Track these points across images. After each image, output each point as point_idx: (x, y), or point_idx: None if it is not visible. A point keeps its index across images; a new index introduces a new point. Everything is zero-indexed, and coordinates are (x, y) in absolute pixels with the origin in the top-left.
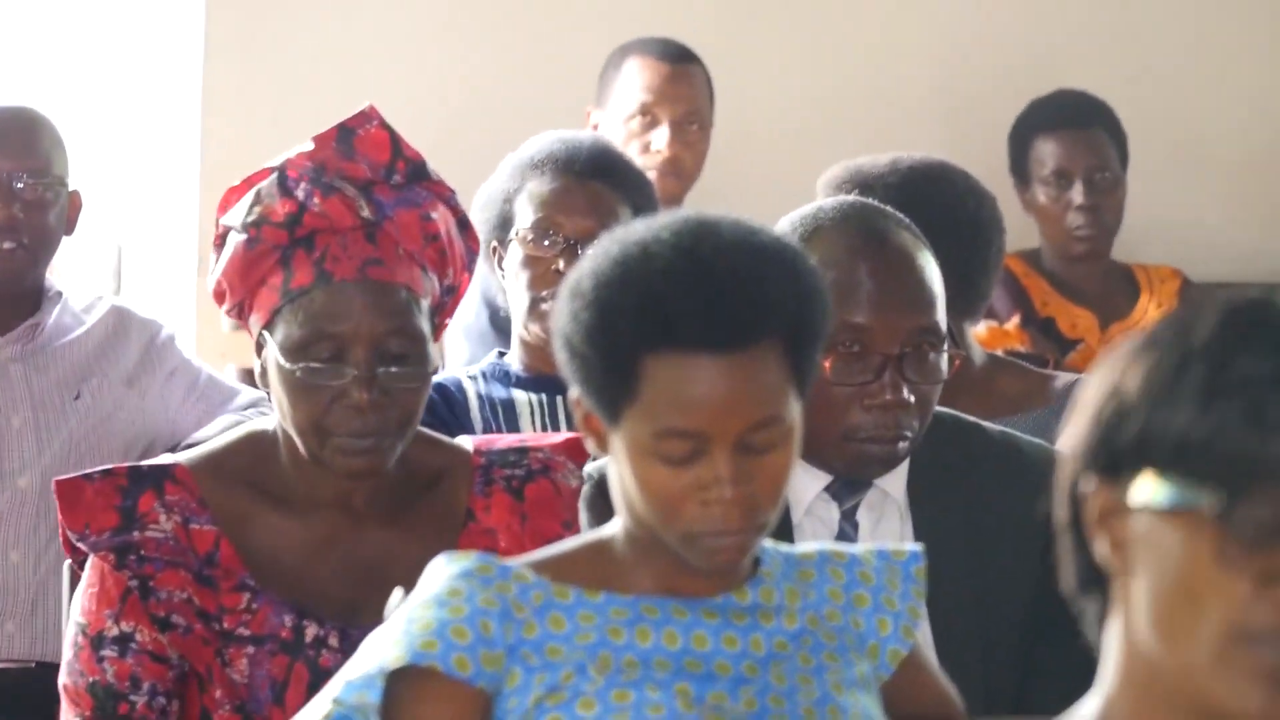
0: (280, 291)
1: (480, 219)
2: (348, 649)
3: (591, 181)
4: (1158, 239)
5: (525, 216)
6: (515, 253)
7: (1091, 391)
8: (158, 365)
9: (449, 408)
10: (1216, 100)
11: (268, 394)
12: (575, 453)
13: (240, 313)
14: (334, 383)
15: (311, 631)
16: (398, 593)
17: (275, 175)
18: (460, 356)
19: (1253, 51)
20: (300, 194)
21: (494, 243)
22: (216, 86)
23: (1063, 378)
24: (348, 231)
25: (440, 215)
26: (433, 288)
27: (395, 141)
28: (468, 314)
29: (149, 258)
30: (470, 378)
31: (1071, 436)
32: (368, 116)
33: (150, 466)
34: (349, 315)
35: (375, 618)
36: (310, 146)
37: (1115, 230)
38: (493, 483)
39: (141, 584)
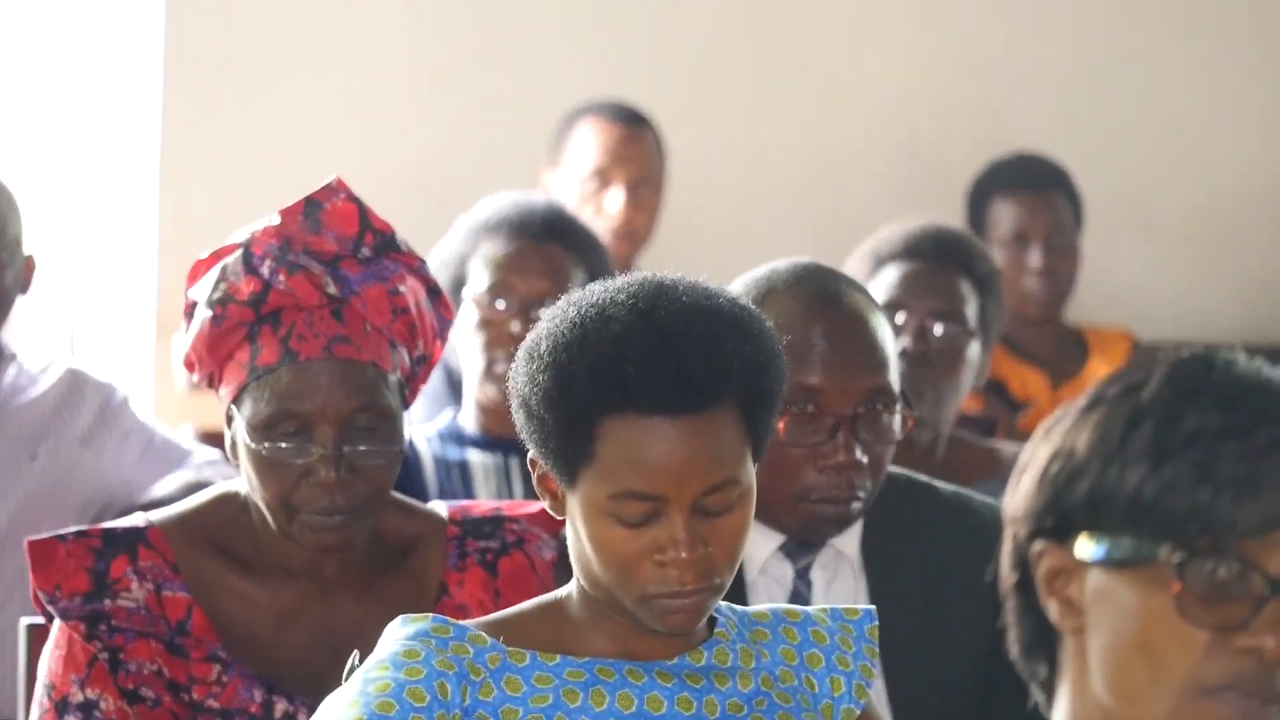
0: (247, 368)
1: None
2: None
3: (546, 244)
4: (1109, 300)
5: (480, 279)
6: (469, 314)
7: (1037, 452)
8: (113, 426)
9: (404, 469)
10: (1169, 164)
11: (237, 467)
12: (551, 524)
13: (211, 383)
14: (300, 461)
15: (280, 707)
16: (354, 657)
17: (240, 252)
18: (416, 417)
19: (1205, 117)
20: (265, 272)
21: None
22: (174, 150)
23: (1009, 449)
24: (314, 309)
25: (409, 288)
26: (401, 361)
27: (363, 214)
28: None
29: (107, 318)
30: (426, 439)
31: (1018, 498)
32: (335, 190)
33: (124, 529)
34: (315, 394)
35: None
36: (277, 220)
37: (1069, 293)
38: (467, 555)
39: (111, 655)
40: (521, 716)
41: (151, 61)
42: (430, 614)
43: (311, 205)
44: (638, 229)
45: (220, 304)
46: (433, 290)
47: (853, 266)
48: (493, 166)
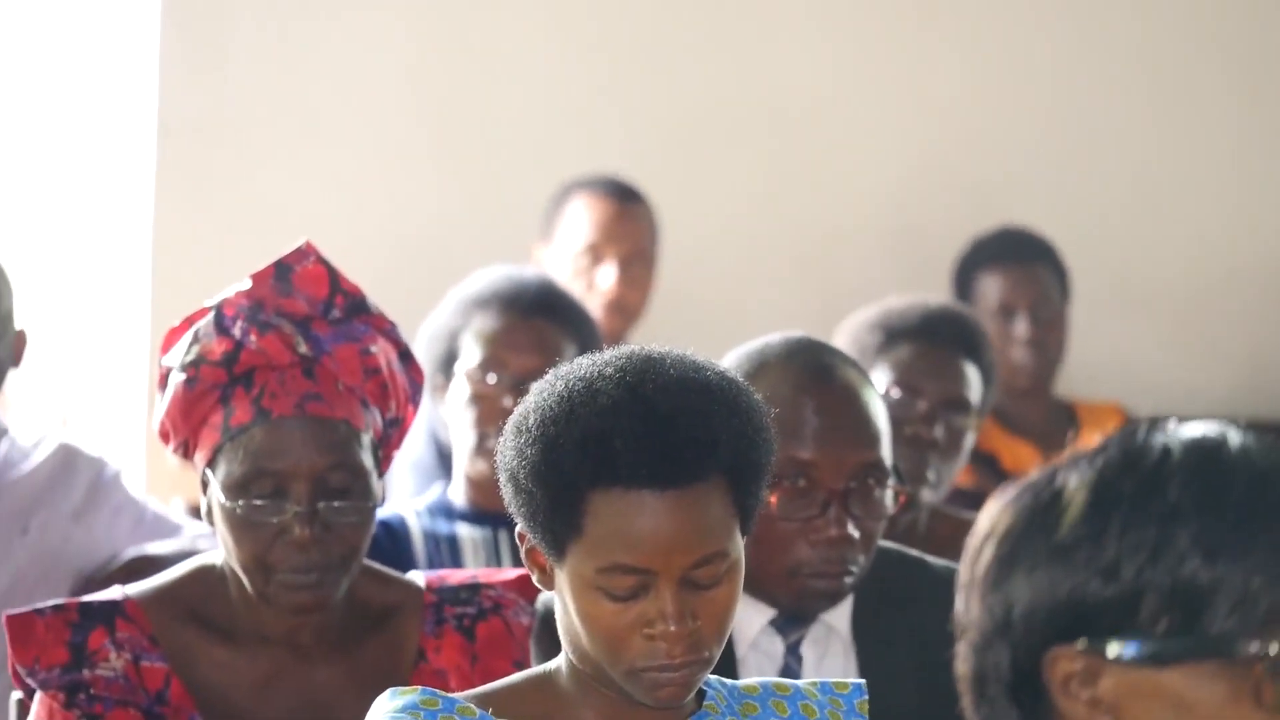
0: (221, 430)
1: (425, 354)
2: None
3: (537, 319)
4: (1098, 374)
5: (471, 354)
6: (460, 389)
7: (1017, 551)
8: (104, 501)
9: (393, 543)
10: (1158, 237)
11: (214, 531)
12: (527, 590)
13: (185, 452)
14: (275, 519)
15: None
16: None
17: (212, 314)
18: (405, 490)
19: (1193, 193)
20: (237, 332)
21: (438, 378)
22: (167, 225)
23: None
24: (285, 368)
25: (380, 348)
26: (374, 422)
27: (333, 276)
28: (414, 448)
29: (99, 393)
30: (415, 513)
31: (1006, 593)
32: (305, 253)
33: (101, 602)
34: (288, 451)
35: None
36: (248, 284)
37: (1058, 364)
38: (444, 622)
39: None
40: None
41: (145, 134)
42: (420, 686)
43: (282, 269)
44: (630, 304)
45: (193, 365)
46: (404, 354)
47: (859, 336)
48: (485, 241)
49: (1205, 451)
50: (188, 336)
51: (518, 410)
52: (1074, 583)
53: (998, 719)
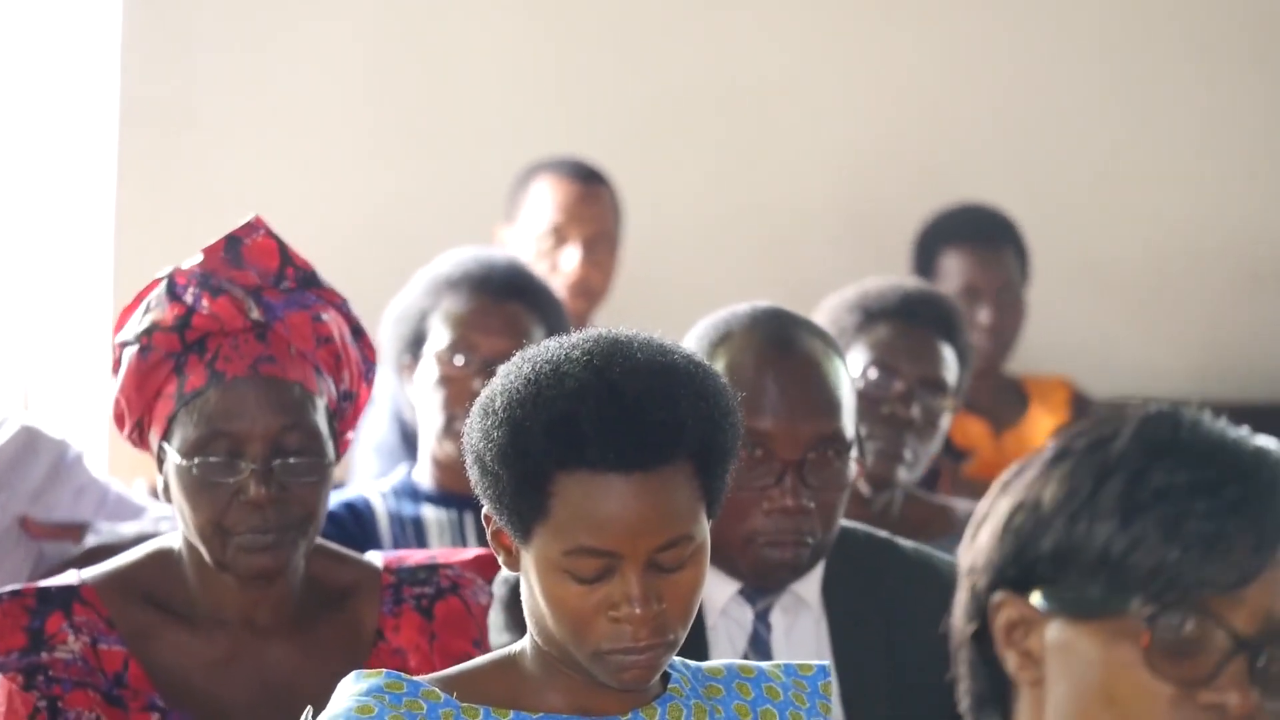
0: (175, 398)
1: (392, 334)
2: None
3: (507, 302)
4: (1054, 353)
5: (440, 336)
6: (429, 371)
7: (998, 504)
8: (66, 483)
9: (358, 525)
10: (1117, 217)
11: (171, 506)
12: (485, 569)
13: (140, 433)
14: (231, 479)
15: None
16: (308, 711)
17: (164, 283)
18: (370, 473)
19: (1155, 173)
20: (188, 298)
21: (405, 358)
22: (129, 206)
23: (963, 506)
24: (238, 333)
25: (332, 318)
26: (328, 389)
27: (283, 250)
28: (378, 430)
29: (61, 375)
30: (380, 495)
31: (977, 549)
32: (254, 226)
33: (57, 588)
34: (243, 413)
35: None
36: (199, 258)
37: (1012, 347)
38: (402, 601)
39: (50, 704)
40: None
41: (107, 117)
42: (384, 670)
43: (232, 242)
44: (593, 286)
45: (146, 334)
46: (355, 329)
47: (837, 316)
48: (449, 224)
49: (1156, 420)
50: (140, 309)
51: (484, 392)
52: (1022, 534)
53: (970, 678)
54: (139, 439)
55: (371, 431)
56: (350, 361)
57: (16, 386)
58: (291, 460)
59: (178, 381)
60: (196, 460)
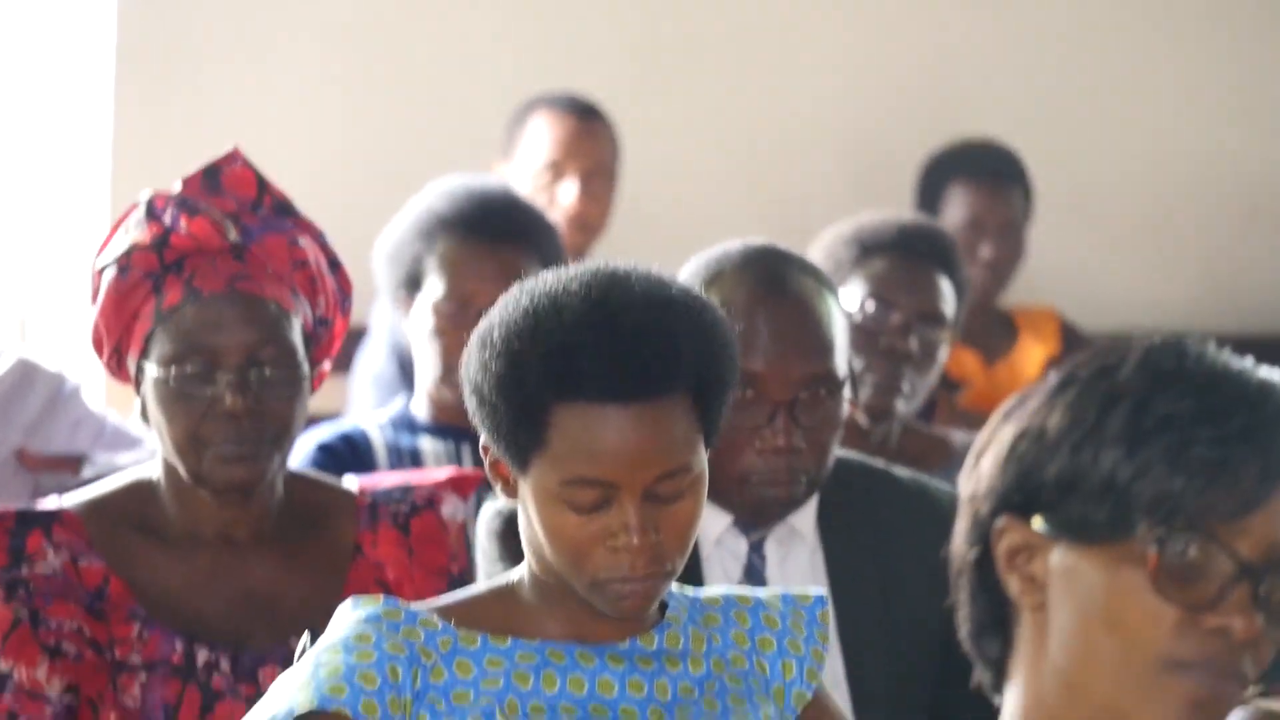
0: (153, 316)
1: (387, 270)
2: (239, 672)
3: (503, 247)
4: (1050, 286)
5: (435, 285)
6: (425, 319)
7: (1000, 432)
8: (63, 415)
9: (355, 456)
10: (1112, 151)
11: (150, 427)
12: (459, 487)
13: (119, 359)
14: (207, 391)
15: (203, 656)
16: (305, 637)
17: (142, 206)
18: (367, 404)
19: (1155, 108)
20: (167, 219)
21: (401, 293)
22: (127, 136)
23: (961, 437)
24: (216, 253)
25: (308, 245)
26: (304, 311)
27: (261, 180)
28: (376, 362)
29: (58, 307)
30: (378, 426)
31: (979, 475)
32: (233, 157)
33: (37, 510)
34: (219, 327)
35: (266, 643)
36: (178, 186)
37: (1007, 283)
38: (379, 518)
39: (31, 615)
40: (473, 699)
41: (104, 48)
42: (382, 596)
43: (211, 170)
44: (591, 220)
45: (125, 255)
46: (332, 261)
47: (834, 250)
48: (445, 158)
49: (1162, 349)
50: (119, 233)
51: (483, 323)
52: (1026, 460)
53: (970, 605)
54: (116, 365)
55: (369, 363)
56: (326, 289)
57: (13, 319)
58: (267, 373)
59: (156, 300)
60: (173, 371)
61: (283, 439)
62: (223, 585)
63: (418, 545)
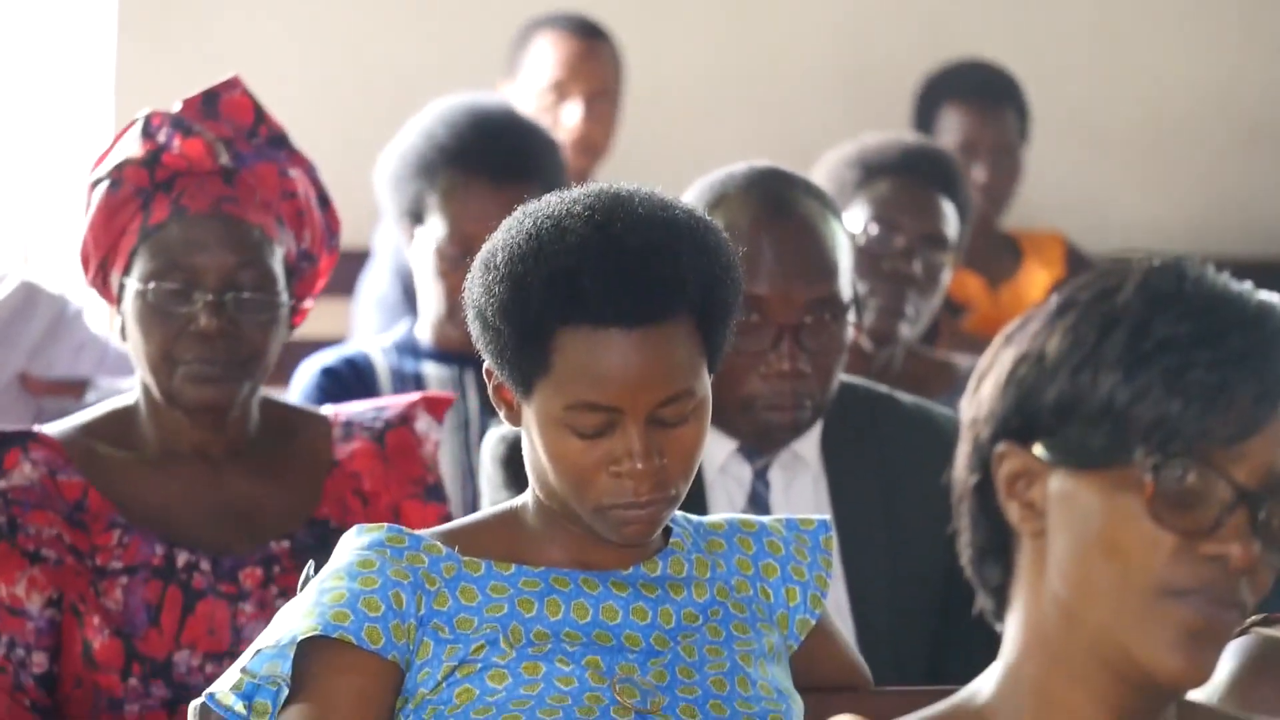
0: (139, 233)
1: (390, 197)
2: (220, 573)
3: (507, 185)
4: (1051, 210)
5: (437, 224)
6: (428, 258)
7: (1001, 356)
8: (66, 338)
9: (358, 380)
10: (1114, 73)
11: (127, 345)
12: (431, 407)
13: (103, 276)
14: (183, 309)
15: (183, 558)
16: (310, 566)
17: (139, 123)
18: (371, 327)
19: (1154, 29)
20: (161, 137)
21: (405, 222)
22: (130, 64)
23: (964, 362)
24: (205, 174)
25: (299, 177)
26: (289, 242)
27: (259, 109)
28: (380, 285)
29: (61, 229)
30: (381, 350)
31: (980, 400)
32: (233, 84)
33: (14, 431)
34: (202, 247)
35: (246, 550)
36: (177, 107)
37: (1006, 205)
38: (353, 434)
39: (9, 523)
40: (476, 625)
41: None
42: (385, 524)
43: (210, 95)
44: (595, 142)
45: (117, 169)
46: (322, 197)
47: (837, 172)
48: (449, 80)
49: (1161, 272)
50: (115, 148)
51: (486, 247)
52: (1025, 385)
53: (972, 530)
54: (101, 281)
55: (373, 286)
56: (313, 223)
57: (16, 242)
58: (245, 296)
59: (143, 216)
60: (152, 286)
61: (253, 364)
62: (201, 499)
63: (393, 456)
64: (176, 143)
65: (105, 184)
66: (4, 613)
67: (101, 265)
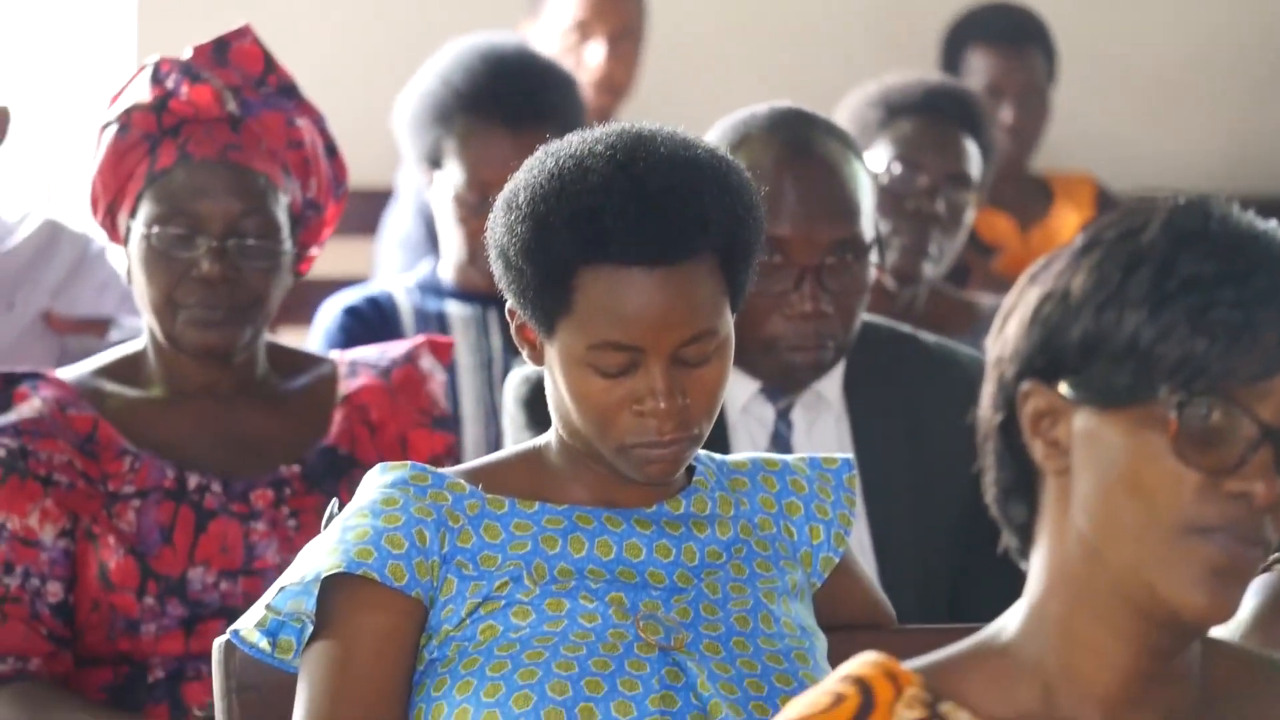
0: (145, 177)
1: (408, 141)
2: (231, 495)
3: (524, 129)
4: (1079, 150)
5: (454, 171)
6: (448, 204)
7: (1026, 294)
8: (89, 277)
9: (381, 320)
10: (1141, 12)
11: (132, 287)
12: (437, 351)
13: (112, 218)
14: (186, 254)
15: (194, 480)
16: (333, 504)
17: (148, 69)
18: (394, 267)
19: None
20: (170, 83)
21: (424, 165)
22: (152, 7)
23: (988, 301)
24: (213, 121)
25: (306, 127)
26: (294, 191)
27: (268, 58)
28: (403, 225)
29: (83, 167)
30: (405, 290)
31: (1005, 338)
32: (244, 33)
33: (23, 371)
34: (206, 193)
35: (257, 474)
36: (188, 53)
37: (1034, 147)
38: (358, 371)
39: (20, 449)
40: (500, 563)
41: None
42: (409, 462)
43: (220, 44)
44: (618, 82)
45: (126, 114)
46: (330, 147)
47: (860, 112)
48: (472, 18)
49: (1186, 210)
50: (125, 92)
51: (508, 186)
52: (1050, 323)
53: (997, 469)
54: (110, 224)
55: (396, 226)
56: (320, 172)
57: (39, 181)
58: (248, 243)
59: (150, 161)
60: (156, 230)
61: (254, 310)
62: (210, 430)
63: (399, 390)
64: (185, 89)
65: (114, 128)
66: (17, 544)
67: (109, 208)
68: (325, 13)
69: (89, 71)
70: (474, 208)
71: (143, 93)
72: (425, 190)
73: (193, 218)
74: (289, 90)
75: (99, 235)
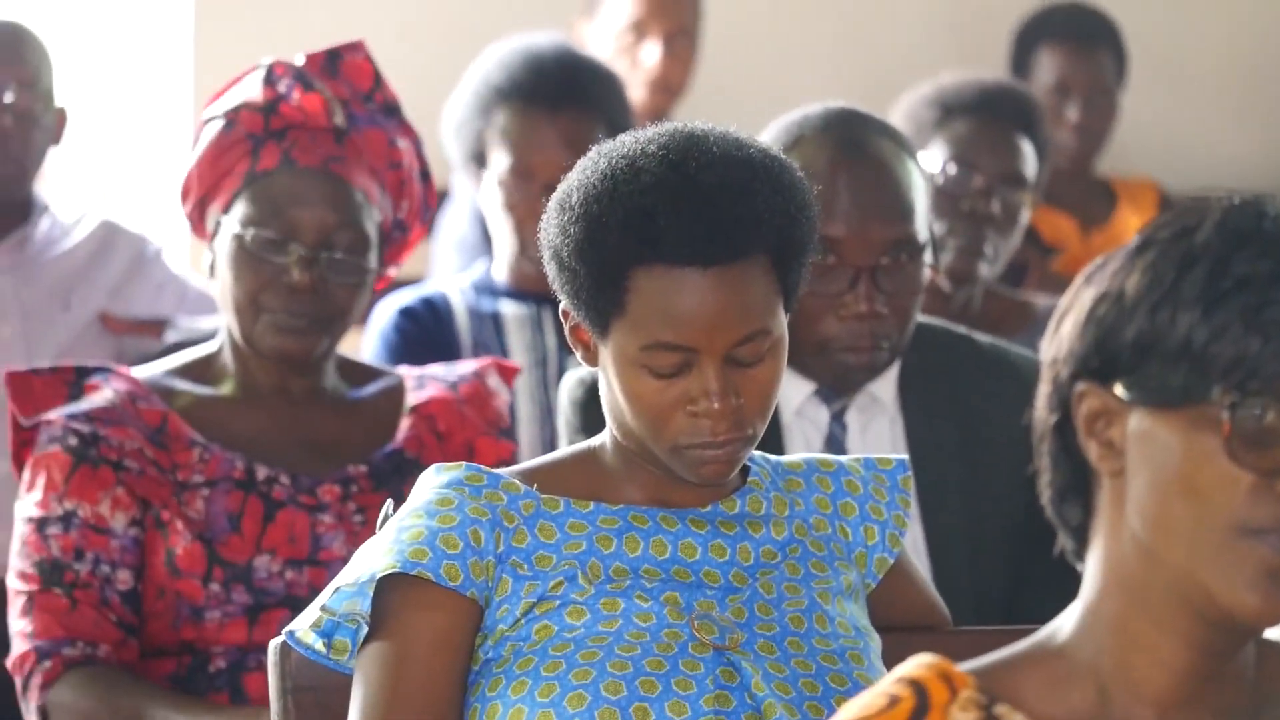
0: (245, 176)
1: (454, 145)
2: (299, 488)
3: (562, 113)
4: (1137, 148)
5: (499, 159)
6: (494, 193)
7: (1082, 295)
8: (146, 277)
9: (436, 321)
10: (1200, 12)
11: (214, 282)
12: (501, 371)
13: (201, 211)
14: (277, 258)
15: (263, 472)
16: (388, 505)
17: (263, 69)
18: (450, 268)
19: None
20: (282, 87)
21: (471, 166)
22: (209, 8)
23: (1043, 302)
24: (319, 130)
25: (406, 149)
26: (387, 210)
27: (378, 76)
28: (459, 226)
29: (141, 170)
30: (460, 290)
31: (1060, 339)
32: (357, 47)
33: (96, 365)
34: (305, 200)
35: (325, 470)
36: (301, 59)
37: (1101, 148)
38: (426, 384)
39: (92, 435)
40: (555, 563)
41: None
42: (464, 463)
43: (332, 54)
44: (674, 81)
45: (234, 111)
46: (424, 171)
47: (915, 111)
48: (529, 19)
49: (1241, 210)
50: (233, 89)
51: (561, 187)
52: (1105, 324)
53: (1052, 470)
54: (199, 217)
55: (452, 227)
56: (413, 194)
57: (97, 181)
58: (338, 256)
59: (251, 161)
60: (251, 232)
61: (335, 322)
62: (280, 431)
63: (466, 401)
64: (296, 95)
65: (220, 122)
66: (89, 531)
67: (201, 201)
68: (383, 15)
69: (146, 74)
70: (519, 192)
71: (254, 92)
72: (475, 193)
73: (288, 224)
74: (393, 109)
75: (155, 237)
